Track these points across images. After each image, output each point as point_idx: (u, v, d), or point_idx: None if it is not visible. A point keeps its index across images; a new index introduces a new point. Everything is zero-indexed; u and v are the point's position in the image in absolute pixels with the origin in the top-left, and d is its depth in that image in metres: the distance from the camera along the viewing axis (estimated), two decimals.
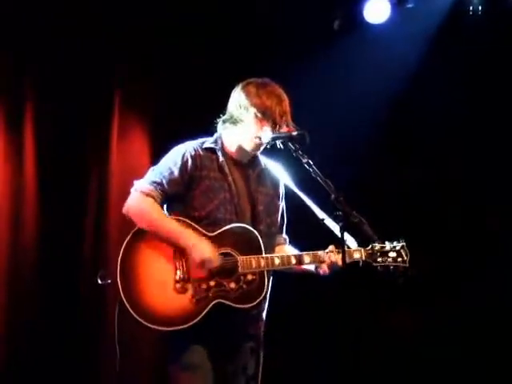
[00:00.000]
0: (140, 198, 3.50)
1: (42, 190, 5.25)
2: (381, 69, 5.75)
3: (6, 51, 5.14)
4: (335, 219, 3.34)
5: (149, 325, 3.36)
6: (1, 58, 5.11)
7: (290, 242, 3.78)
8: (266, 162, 3.71)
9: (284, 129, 3.50)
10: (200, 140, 3.65)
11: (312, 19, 5.80)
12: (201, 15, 5.72)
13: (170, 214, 3.56)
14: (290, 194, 3.74)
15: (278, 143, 3.49)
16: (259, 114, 3.52)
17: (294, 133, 3.46)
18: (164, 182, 3.51)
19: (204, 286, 3.41)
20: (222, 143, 3.63)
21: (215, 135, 3.67)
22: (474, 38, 5.77)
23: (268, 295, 3.59)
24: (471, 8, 5.72)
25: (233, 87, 3.72)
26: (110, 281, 3.48)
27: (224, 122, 3.64)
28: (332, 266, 3.50)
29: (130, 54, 5.63)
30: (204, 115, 5.31)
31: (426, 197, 5.95)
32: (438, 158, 5.93)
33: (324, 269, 3.52)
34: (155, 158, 3.73)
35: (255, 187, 3.63)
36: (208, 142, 3.64)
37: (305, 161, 3.39)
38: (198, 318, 3.37)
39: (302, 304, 5.78)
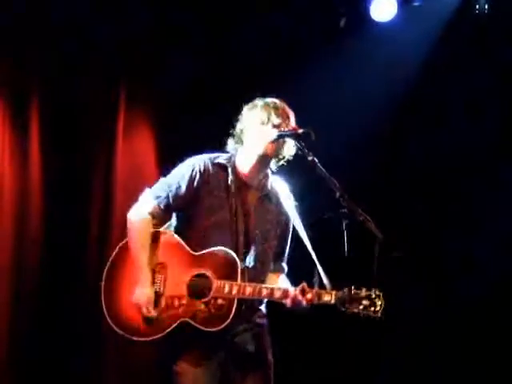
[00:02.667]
0: (139, 215, 3.59)
1: (47, 187, 5.26)
2: (387, 67, 5.73)
3: (11, 49, 5.14)
4: (340, 217, 3.34)
5: (117, 330, 3.52)
6: (5, 55, 5.11)
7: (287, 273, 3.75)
8: (276, 184, 3.70)
9: (289, 127, 3.52)
10: (213, 155, 3.67)
11: (318, 17, 5.80)
12: (204, 15, 5.72)
13: (176, 221, 3.65)
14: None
15: (284, 154, 3.55)
16: (259, 121, 3.55)
17: (300, 130, 3.48)
18: (170, 195, 3.58)
19: (176, 303, 3.49)
20: (235, 163, 3.64)
21: (230, 154, 3.68)
22: (480, 37, 5.75)
23: (250, 323, 3.60)
24: (477, 7, 5.70)
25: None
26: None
27: (234, 143, 3.67)
28: (296, 304, 3.45)
29: (136, 51, 5.65)
30: (208, 114, 5.35)
31: (430, 196, 5.95)
32: (444, 156, 5.93)
33: (288, 304, 3.46)
34: (160, 156, 3.75)
35: (256, 212, 3.62)
36: (221, 158, 3.65)
37: (310, 158, 3.41)
38: (163, 334, 3.47)
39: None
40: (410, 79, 5.79)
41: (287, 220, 3.70)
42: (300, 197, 3.73)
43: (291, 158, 3.61)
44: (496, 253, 5.68)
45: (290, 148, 3.58)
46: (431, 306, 5.84)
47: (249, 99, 3.70)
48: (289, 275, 3.73)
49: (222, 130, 3.74)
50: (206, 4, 5.69)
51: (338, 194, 3.32)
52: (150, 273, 3.51)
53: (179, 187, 3.57)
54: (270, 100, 3.62)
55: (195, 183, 3.56)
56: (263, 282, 3.59)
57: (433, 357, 5.82)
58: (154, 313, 3.47)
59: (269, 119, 3.53)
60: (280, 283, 3.64)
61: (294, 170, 3.70)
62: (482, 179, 5.78)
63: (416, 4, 5.82)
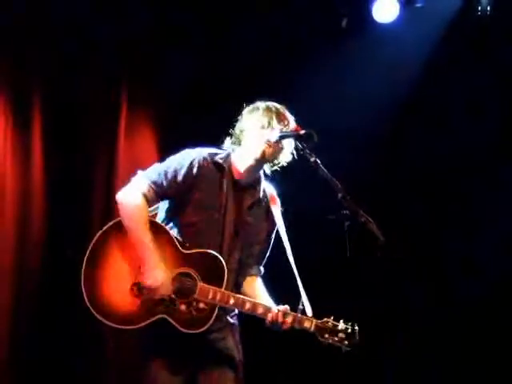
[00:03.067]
0: (135, 198, 3.51)
1: (49, 187, 5.26)
2: (389, 68, 5.73)
3: (12, 49, 5.15)
4: (342, 218, 3.33)
5: (94, 313, 3.46)
6: (6, 55, 5.12)
7: (262, 277, 3.75)
8: (268, 191, 3.71)
9: (291, 127, 3.51)
10: (212, 151, 3.65)
11: (320, 18, 5.80)
12: (204, 15, 5.72)
13: (166, 212, 3.61)
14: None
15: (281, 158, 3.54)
16: (259, 124, 3.54)
17: (302, 131, 3.47)
18: (164, 183, 3.53)
19: (157, 298, 3.45)
20: (231, 162, 3.63)
21: (227, 152, 3.66)
22: (482, 38, 5.75)
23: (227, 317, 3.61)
24: (479, 8, 5.70)
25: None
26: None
27: (231, 142, 3.65)
28: (276, 324, 3.45)
29: (137, 51, 5.66)
30: (210, 113, 5.35)
31: (430, 196, 5.95)
32: (446, 158, 5.92)
33: (267, 322, 3.46)
34: (162, 155, 3.73)
35: (244, 216, 3.62)
36: (219, 156, 3.63)
37: (312, 160, 3.40)
38: (139, 325, 3.44)
39: None
40: (411, 80, 5.80)
41: (273, 228, 3.70)
42: (299, 198, 3.72)
43: (285, 164, 3.59)
44: (496, 253, 5.67)
45: (286, 154, 3.57)
46: (431, 306, 5.84)
47: (250, 100, 3.69)
48: (268, 280, 3.74)
49: (223, 130, 3.73)
50: (205, 4, 5.69)
51: (339, 196, 3.31)
52: (155, 253, 3.44)
53: (176, 175, 3.53)
54: (271, 104, 3.61)
55: (192, 175, 3.53)
56: (241, 284, 3.62)
57: (434, 357, 5.81)
58: (168, 292, 3.42)
59: (269, 123, 3.52)
60: (259, 293, 3.64)
61: (294, 171, 3.69)
62: (482, 179, 5.79)
63: (418, 5, 5.82)
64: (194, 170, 3.54)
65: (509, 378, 5.63)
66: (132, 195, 3.53)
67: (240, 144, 3.60)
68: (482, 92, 5.78)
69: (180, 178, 3.53)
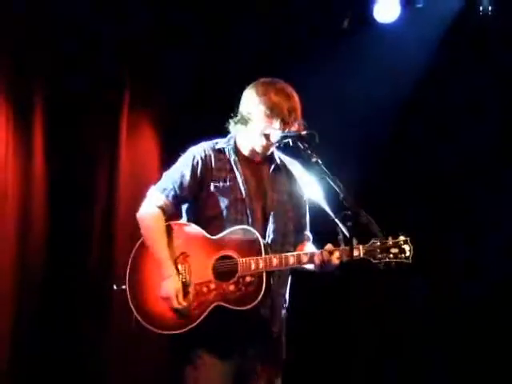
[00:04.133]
0: (150, 211, 3.59)
1: (51, 186, 5.26)
2: (390, 68, 5.72)
3: (13, 50, 5.14)
4: (344, 219, 3.32)
5: (155, 330, 3.48)
6: (7, 56, 5.11)
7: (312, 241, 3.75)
8: (283, 157, 3.71)
9: (293, 128, 3.50)
10: (214, 141, 3.68)
11: (321, 18, 5.79)
12: (204, 15, 5.71)
13: (186, 215, 3.64)
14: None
15: (289, 142, 3.49)
16: (268, 111, 3.52)
17: (304, 132, 3.46)
18: (176, 186, 3.57)
19: (205, 290, 3.47)
20: (235, 143, 3.65)
21: (229, 136, 3.68)
22: (484, 39, 5.74)
23: (285, 292, 3.62)
24: (481, 8, 5.69)
25: (240, 86, 3.73)
26: (123, 287, 3.56)
27: (235, 123, 3.64)
28: (325, 264, 3.45)
29: (139, 51, 5.65)
30: (212, 113, 5.35)
31: (432, 198, 5.94)
32: (447, 160, 5.91)
33: (317, 265, 3.47)
34: (164, 156, 3.76)
35: (269, 185, 3.63)
36: (221, 142, 3.66)
37: (314, 160, 3.39)
38: (197, 322, 3.44)
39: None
40: (412, 80, 5.78)
41: (300, 189, 3.69)
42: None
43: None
44: (499, 256, 5.67)
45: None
46: (434, 307, 5.82)
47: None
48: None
49: (223, 129, 3.72)
50: (205, 4, 5.68)
51: (341, 196, 3.30)
52: (173, 264, 3.49)
53: (183, 176, 3.57)
54: (280, 87, 3.57)
55: (198, 171, 3.57)
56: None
57: (436, 358, 5.81)
58: (184, 303, 3.45)
59: (278, 114, 3.50)
60: (307, 249, 3.62)
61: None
62: (484, 182, 5.76)
63: (419, 6, 5.81)
64: (200, 165, 3.57)
65: (510, 379, 5.63)
66: (147, 210, 3.61)
67: (246, 125, 3.59)
68: (483, 93, 5.77)
69: (188, 177, 3.57)
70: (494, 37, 5.71)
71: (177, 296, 3.44)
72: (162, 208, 3.58)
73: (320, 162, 3.38)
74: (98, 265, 5.34)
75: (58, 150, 5.30)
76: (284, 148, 3.62)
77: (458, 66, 5.77)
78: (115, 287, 3.61)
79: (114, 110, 5.57)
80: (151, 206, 3.60)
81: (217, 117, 3.77)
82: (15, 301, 5.05)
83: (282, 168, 3.69)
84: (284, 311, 3.66)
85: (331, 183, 3.34)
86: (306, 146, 3.43)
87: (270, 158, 3.67)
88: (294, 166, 3.69)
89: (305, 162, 3.51)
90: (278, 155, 3.70)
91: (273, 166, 3.66)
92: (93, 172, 5.48)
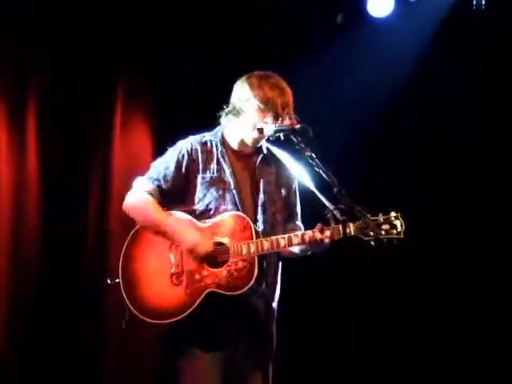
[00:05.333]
0: (137, 194, 3.59)
1: (44, 182, 5.25)
2: (384, 63, 5.73)
3: (9, 47, 5.14)
4: (338, 212, 3.33)
5: (149, 320, 3.47)
6: (3, 54, 5.10)
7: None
8: (271, 148, 3.71)
9: (287, 121, 3.50)
10: (201, 134, 3.69)
11: (315, 13, 5.79)
12: (202, 11, 5.70)
13: (171, 209, 3.61)
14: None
15: (281, 135, 3.49)
16: (261, 105, 3.52)
17: (297, 126, 3.46)
18: (160, 177, 3.58)
19: (197, 277, 3.47)
20: (223, 135, 3.66)
21: (217, 128, 3.69)
22: (477, 34, 5.75)
23: (277, 281, 3.63)
24: (474, 3, 5.70)
25: (234, 80, 3.73)
26: (118, 280, 3.55)
27: (227, 114, 3.65)
28: (318, 244, 3.46)
29: (133, 46, 5.64)
30: (206, 107, 5.33)
31: (428, 189, 5.96)
32: (439, 153, 5.92)
33: (309, 246, 3.49)
34: (157, 150, 3.76)
35: (257, 176, 3.64)
36: (208, 135, 3.68)
37: (307, 154, 3.39)
38: (191, 309, 3.44)
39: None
40: (406, 75, 5.78)
41: (290, 179, 3.70)
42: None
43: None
44: None
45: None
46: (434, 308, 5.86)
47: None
48: None
49: (219, 123, 3.73)
50: (205, 4, 5.67)
51: (335, 190, 3.30)
52: (167, 254, 3.48)
53: (167, 168, 3.58)
54: (274, 81, 3.58)
55: (184, 164, 3.58)
56: None
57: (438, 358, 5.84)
58: (207, 249, 3.43)
59: (271, 108, 3.50)
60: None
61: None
62: (474, 174, 5.76)
63: (413, 0, 5.81)
64: (185, 159, 3.59)
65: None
66: (135, 195, 3.60)
67: (238, 117, 3.59)
68: (477, 87, 5.77)
69: (172, 169, 3.58)
70: (487, 31, 5.71)
71: (201, 242, 3.43)
72: (150, 193, 3.57)
73: (314, 156, 3.37)
74: (93, 260, 5.33)
75: (52, 146, 5.29)
76: (273, 140, 3.62)
77: (452, 60, 5.77)
78: (109, 281, 3.60)
79: (108, 107, 5.57)
80: (139, 191, 3.59)
81: (209, 113, 3.78)
82: (10, 297, 5.04)
83: (269, 159, 3.69)
84: (275, 304, 3.66)
85: (325, 177, 3.33)
86: (300, 139, 3.42)
87: (258, 149, 3.68)
88: (282, 156, 3.68)
89: (298, 155, 3.50)
90: (266, 146, 3.70)
91: (260, 157, 3.67)
92: (87, 168, 5.47)
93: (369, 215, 3.34)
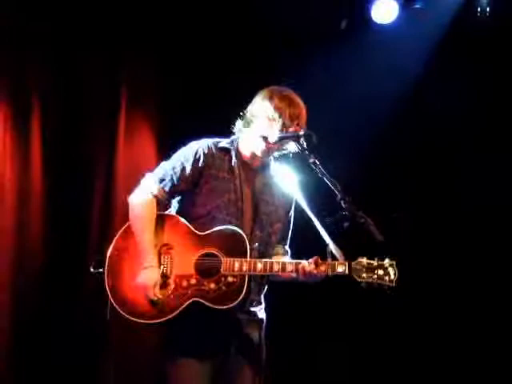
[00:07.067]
0: (144, 199, 3.57)
1: (48, 185, 5.25)
2: (387, 69, 5.74)
3: (12, 51, 5.14)
4: (341, 219, 3.32)
5: (126, 315, 3.45)
6: (5, 57, 5.10)
7: (291, 256, 3.75)
8: (281, 171, 3.69)
9: (291, 129, 3.50)
10: (216, 139, 3.68)
11: (319, 19, 5.79)
12: (206, 14, 5.72)
13: (176, 207, 3.62)
14: (298, 210, 3.71)
15: (288, 148, 3.53)
16: (270, 115, 3.53)
17: (301, 132, 3.47)
18: (174, 178, 3.56)
19: (184, 284, 3.46)
20: (238, 145, 3.66)
21: (232, 137, 3.69)
22: (482, 39, 5.75)
23: (260, 302, 3.63)
24: (479, 9, 5.70)
25: (238, 85, 3.74)
26: (101, 270, 3.53)
27: (241, 125, 3.66)
28: (311, 276, 3.45)
29: (137, 51, 5.67)
30: (210, 112, 5.35)
31: (434, 195, 5.95)
32: (444, 157, 5.91)
33: (301, 276, 3.47)
34: (161, 154, 3.75)
35: (260, 194, 3.64)
36: (224, 142, 3.67)
37: (311, 161, 3.40)
38: (173, 314, 3.43)
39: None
40: (410, 81, 5.78)
41: (290, 203, 3.71)
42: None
43: (294, 152, 3.56)
44: None
45: (293, 145, 3.55)
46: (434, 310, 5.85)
47: (249, 101, 3.68)
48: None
49: (222, 131, 3.75)
50: (205, 6, 5.68)
51: (339, 197, 3.31)
52: (156, 255, 3.48)
53: (183, 169, 3.56)
54: (286, 94, 3.59)
55: (199, 165, 3.56)
56: None
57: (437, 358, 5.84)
58: (159, 295, 3.43)
59: (280, 118, 3.51)
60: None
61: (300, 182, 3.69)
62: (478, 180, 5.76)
63: (417, 6, 5.82)
64: (201, 160, 3.57)
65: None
66: (141, 197, 3.58)
67: (249, 127, 3.61)
68: (482, 93, 5.77)
69: (188, 170, 3.55)
70: (492, 37, 5.71)
71: (154, 287, 3.42)
72: (157, 197, 3.56)
73: (317, 163, 3.38)
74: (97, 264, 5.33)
75: (56, 150, 5.29)
76: (283, 159, 3.64)
77: (456, 66, 5.77)
78: (92, 270, 3.58)
79: (112, 111, 5.57)
80: (146, 193, 3.58)
81: (212, 118, 3.78)
82: (13, 300, 5.04)
83: (275, 180, 3.69)
84: (262, 315, 3.65)
85: (328, 184, 3.34)
86: (304, 146, 3.43)
87: (267, 169, 3.68)
88: (289, 179, 3.66)
89: (302, 162, 3.50)
90: (275, 167, 3.69)
91: (267, 177, 3.67)
92: (91, 173, 5.47)
93: (371, 222, 3.31)
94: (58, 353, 5.14)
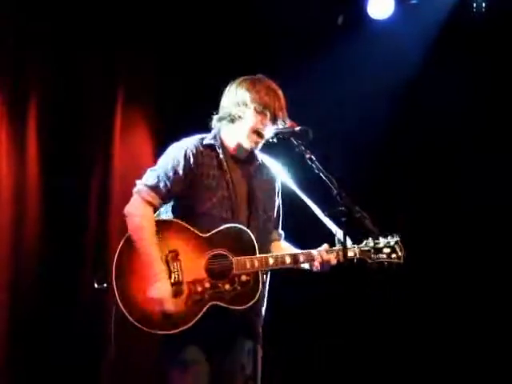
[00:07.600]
0: (140, 208, 3.48)
1: (44, 183, 5.24)
2: (384, 65, 5.74)
3: (10, 48, 5.14)
4: (338, 214, 3.32)
5: (145, 328, 3.35)
6: (4, 54, 5.10)
7: (285, 238, 3.76)
8: (263, 157, 3.70)
9: (287, 123, 3.50)
10: (198, 136, 3.63)
11: (316, 14, 5.79)
12: (202, 12, 5.71)
13: (173, 212, 3.56)
14: (286, 192, 3.72)
15: (276, 139, 3.50)
16: (259, 109, 3.51)
17: (297, 128, 3.46)
18: (168, 183, 3.49)
19: (199, 289, 3.39)
20: (221, 140, 3.62)
21: (213, 132, 3.65)
22: (477, 35, 5.75)
23: (265, 294, 3.62)
24: (475, 5, 5.70)
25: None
26: (105, 285, 3.47)
27: (220, 119, 3.62)
28: (324, 264, 3.49)
29: (133, 50, 5.66)
30: (207, 111, 5.34)
31: (432, 194, 5.96)
32: (442, 154, 5.91)
33: (316, 265, 3.51)
34: (158, 154, 3.72)
35: (254, 184, 3.62)
36: (207, 138, 3.62)
37: (307, 156, 3.38)
38: (193, 322, 3.36)
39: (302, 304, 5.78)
40: (406, 77, 5.78)
41: (279, 188, 3.72)
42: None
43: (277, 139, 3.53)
44: None
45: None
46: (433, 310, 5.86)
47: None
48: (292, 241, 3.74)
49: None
50: (204, 6, 5.68)
51: (335, 192, 3.30)
52: (164, 264, 3.39)
53: (176, 172, 3.50)
54: (267, 84, 3.58)
55: (191, 166, 3.51)
56: (268, 251, 3.58)
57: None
58: (172, 308, 3.34)
59: (269, 112, 3.50)
60: (287, 249, 3.65)
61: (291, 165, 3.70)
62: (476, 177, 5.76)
63: (413, 2, 5.83)
64: (191, 161, 3.52)
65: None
66: (136, 206, 3.49)
67: (233, 122, 3.57)
68: (479, 88, 5.77)
69: (181, 174, 3.50)
70: (487, 33, 5.71)
71: (167, 299, 3.34)
72: (153, 205, 3.49)
73: (313, 158, 3.37)
74: (92, 263, 5.33)
75: (53, 146, 5.28)
76: (265, 148, 3.63)
77: (452, 62, 5.77)
78: (96, 286, 3.54)
79: (109, 107, 5.56)
80: (142, 203, 3.48)
81: (209, 118, 3.76)
82: (11, 297, 5.04)
83: (263, 168, 3.69)
84: (262, 313, 3.64)
85: (324, 179, 3.33)
86: (300, 142, 3.42)
87: (253, 157, 3.67)
88: (275, 166, 3.68)
89: (298, 158, 3.50)
90: (260, 155, 3.69)
91: (255, 166, 3.66)
92: (87, 170, 5.46)
93: (367, 217, 3.32)
94: (56, 352, 5.13)
